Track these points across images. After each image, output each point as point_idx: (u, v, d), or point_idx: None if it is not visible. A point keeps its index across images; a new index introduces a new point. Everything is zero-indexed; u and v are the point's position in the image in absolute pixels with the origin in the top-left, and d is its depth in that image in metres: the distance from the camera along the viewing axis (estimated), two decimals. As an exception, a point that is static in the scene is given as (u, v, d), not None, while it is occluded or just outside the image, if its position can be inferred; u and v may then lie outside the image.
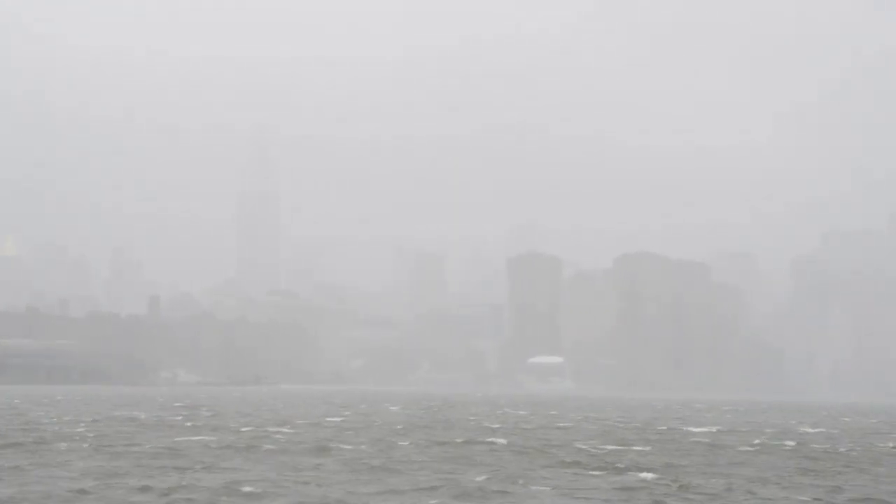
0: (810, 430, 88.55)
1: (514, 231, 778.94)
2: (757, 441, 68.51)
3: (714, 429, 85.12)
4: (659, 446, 60.98)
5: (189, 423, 76.66)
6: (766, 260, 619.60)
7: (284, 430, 70.20)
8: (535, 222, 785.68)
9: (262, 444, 56.55)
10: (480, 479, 41.25)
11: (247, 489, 37.21)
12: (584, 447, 58.48)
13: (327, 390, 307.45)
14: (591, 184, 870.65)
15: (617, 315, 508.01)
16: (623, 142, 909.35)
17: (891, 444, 68.44)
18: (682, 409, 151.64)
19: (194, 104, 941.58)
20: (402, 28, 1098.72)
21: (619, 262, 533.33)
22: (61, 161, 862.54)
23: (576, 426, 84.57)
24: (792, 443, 67.57)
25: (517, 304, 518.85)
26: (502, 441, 61.90)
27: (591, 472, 44.28)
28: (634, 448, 58.82)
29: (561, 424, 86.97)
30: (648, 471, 45.25)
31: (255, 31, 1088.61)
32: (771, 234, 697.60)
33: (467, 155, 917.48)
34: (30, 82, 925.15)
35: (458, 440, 61.83)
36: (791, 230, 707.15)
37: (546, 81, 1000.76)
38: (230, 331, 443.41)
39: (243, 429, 70.90)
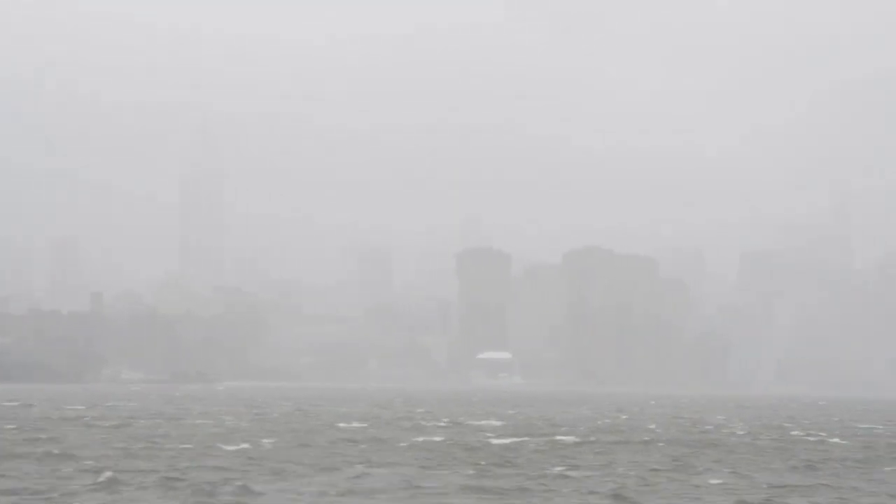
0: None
1: (463, 226, 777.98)
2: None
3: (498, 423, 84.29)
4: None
5: None
6: (714, 255, 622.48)
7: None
8: (484, 217, 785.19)
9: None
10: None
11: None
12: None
13: (271, 387, 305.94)
14: (540, 180, 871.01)
15: (565, 310, 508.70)
16: (573, 140, 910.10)
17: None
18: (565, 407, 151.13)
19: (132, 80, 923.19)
20: (357, 13, 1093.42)
21: (567, 257, 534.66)
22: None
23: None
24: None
25: (466, 299, 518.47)
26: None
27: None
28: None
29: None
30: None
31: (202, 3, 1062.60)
32: (718, 230, 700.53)
33: (415, 147, 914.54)
34: None
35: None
36: (738, 225, 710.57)
37: (498, 77, 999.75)
38: (175, 327, 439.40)
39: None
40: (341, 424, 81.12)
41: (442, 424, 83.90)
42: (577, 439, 66.39)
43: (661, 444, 63.45)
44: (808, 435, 75.70)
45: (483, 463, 49.92)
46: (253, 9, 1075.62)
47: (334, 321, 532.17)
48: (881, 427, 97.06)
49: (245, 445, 59.76)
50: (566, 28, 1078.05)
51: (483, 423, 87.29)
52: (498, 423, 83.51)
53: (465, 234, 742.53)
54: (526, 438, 66.76)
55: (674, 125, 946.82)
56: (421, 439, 64.96)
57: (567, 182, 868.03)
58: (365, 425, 79.36)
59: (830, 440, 71.17)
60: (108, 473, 43.56)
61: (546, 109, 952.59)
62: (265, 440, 62.60)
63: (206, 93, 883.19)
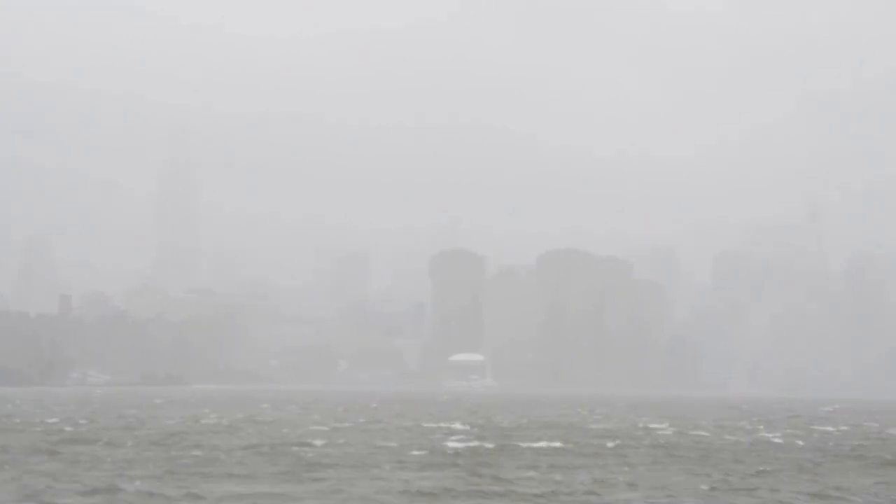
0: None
1: (438, 228, 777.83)
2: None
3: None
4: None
5: None
6: (689, 256, 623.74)
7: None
8: (459, 219, 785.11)
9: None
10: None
11: None
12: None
13: (241, 390, 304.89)
14: (515, 181, 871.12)
15: (539, 312, 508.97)
16: (546, 140, 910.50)
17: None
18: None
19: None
20: (327, 10, 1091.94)
21: (542, 259, 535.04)
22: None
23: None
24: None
25: (439, 301, 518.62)
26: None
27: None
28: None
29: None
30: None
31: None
32: (693, 232, 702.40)
33: (389, 148, 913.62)
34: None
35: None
36: (713, 227, 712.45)
37: (473, 76, 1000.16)
38: (145, 329, 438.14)
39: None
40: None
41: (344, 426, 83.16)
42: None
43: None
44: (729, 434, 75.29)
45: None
46: (231, 5, 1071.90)
47: (307, 322, 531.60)
48: (832, 429, 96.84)
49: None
50: (534, 26, 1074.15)
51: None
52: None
53: (439, 236, 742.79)
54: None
55: (644, 127, 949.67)
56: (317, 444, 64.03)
57: (541, 184, 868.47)
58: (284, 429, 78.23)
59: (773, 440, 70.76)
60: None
61: (516, 109, 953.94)
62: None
63: (184, 89, 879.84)
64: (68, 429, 77.93)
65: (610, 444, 66.51)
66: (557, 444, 65.14)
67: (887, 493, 42.69)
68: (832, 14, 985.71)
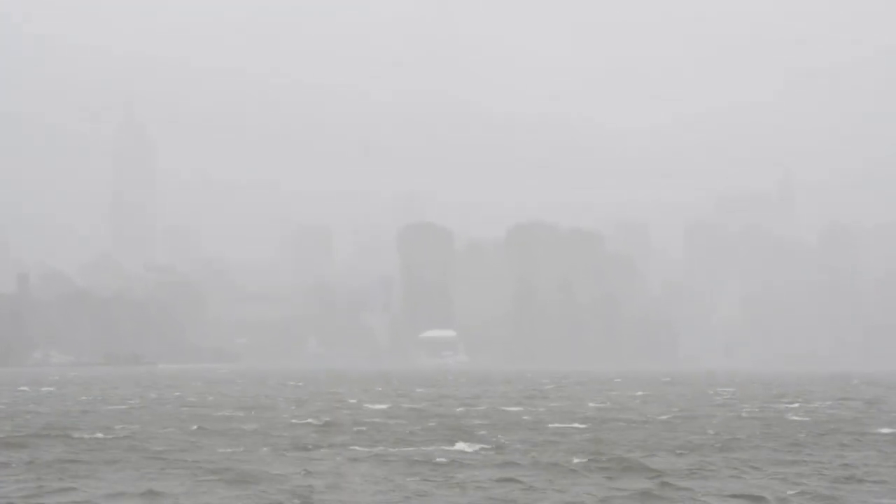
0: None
1: (404, 201, 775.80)
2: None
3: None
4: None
5: None
6: (660, 229, 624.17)
7: None
8: (426, 192, 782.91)
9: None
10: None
11: None
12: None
13: (205, 369, 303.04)
14: (483, 154, 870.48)
15: (510, 287, 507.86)
16: (515, 114, 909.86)
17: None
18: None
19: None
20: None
21: (511, 232, 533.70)
22: None
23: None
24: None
25: (408, 276, 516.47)
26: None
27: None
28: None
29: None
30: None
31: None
32: (664, 203, 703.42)
33: (352, 118, 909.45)
34: None
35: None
36: (684, 198, 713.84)
37: (428, 46, 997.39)
38: (106, 308, 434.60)
39: None
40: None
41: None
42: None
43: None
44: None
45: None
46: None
47: (272, 299, 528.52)
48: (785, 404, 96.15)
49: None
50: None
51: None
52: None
53: (403, 208, 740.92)
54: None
55: (622, 99, 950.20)
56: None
57: (508, 156, 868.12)
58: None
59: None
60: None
61: (482, 83, 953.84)
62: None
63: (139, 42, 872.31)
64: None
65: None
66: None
67: None
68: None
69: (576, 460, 44.00)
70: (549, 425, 66.22)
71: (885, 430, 63.44)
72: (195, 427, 62.60)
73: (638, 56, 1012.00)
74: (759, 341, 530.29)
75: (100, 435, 57.30)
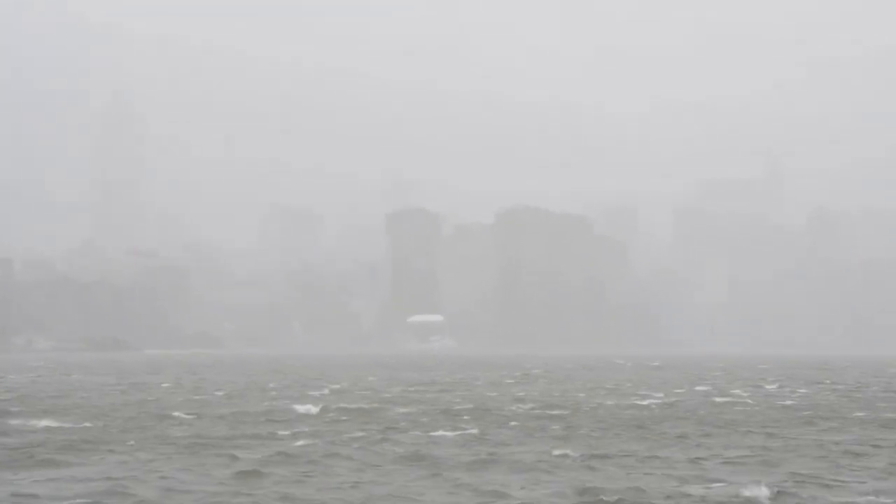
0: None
1: (392, 185, 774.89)
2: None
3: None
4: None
5: None
6: (649, 214, 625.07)
7: None
8: (413, 177, 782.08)
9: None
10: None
11: None
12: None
13: (189, 354, 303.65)
14: (472, 139, 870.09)
15: (498, 271, 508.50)
16: (504, 98, 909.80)
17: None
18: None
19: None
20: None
21: (499, 217, 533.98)
22: None
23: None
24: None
25: (396, 260, 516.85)
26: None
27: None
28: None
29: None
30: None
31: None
32: (653, 189, 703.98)
33: (339, 100, 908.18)
34: None
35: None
36: (673, 183, 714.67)
37: (413, 32, 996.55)
38: (89, 293, 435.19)
39: None
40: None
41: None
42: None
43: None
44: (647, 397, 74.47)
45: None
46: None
47: (258, 284, 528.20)
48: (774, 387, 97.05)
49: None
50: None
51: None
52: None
53: (390, 193, 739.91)
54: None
55: (613, 85, 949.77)
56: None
57: (496, 141, 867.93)
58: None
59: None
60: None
61: (464, 66, 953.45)
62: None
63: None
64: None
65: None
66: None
67: None
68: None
69: (556, 452, 44.17)
70: (534, 410, 66.71)
71: (861, 414, 64.30)
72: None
73: (629, 43, 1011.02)
74: (745, 326, 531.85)
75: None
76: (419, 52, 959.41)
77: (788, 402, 76.64)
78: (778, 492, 34.02)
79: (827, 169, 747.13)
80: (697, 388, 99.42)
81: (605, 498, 33.11)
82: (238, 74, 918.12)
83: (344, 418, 60.39)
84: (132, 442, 47.68)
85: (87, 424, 56.12)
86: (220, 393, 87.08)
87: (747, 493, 33.75)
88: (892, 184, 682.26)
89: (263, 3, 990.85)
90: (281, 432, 52.03)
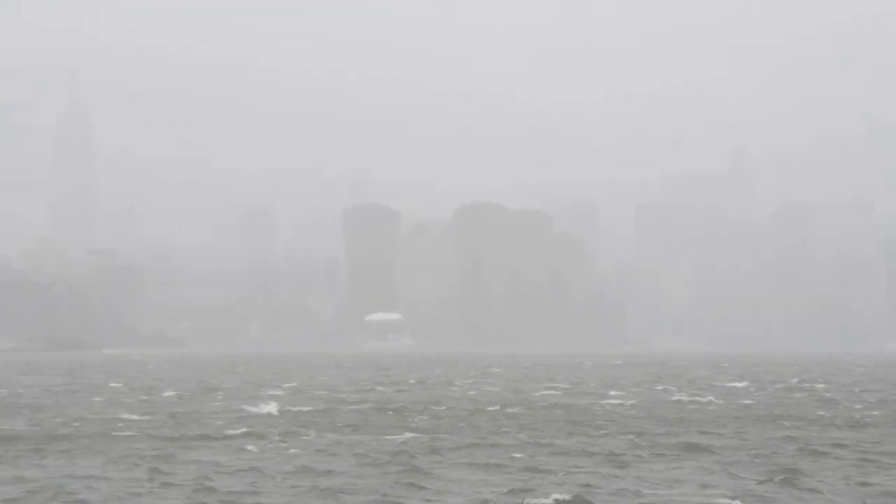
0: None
1: (349, 182, 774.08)
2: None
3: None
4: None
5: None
6: (610, 208, 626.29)
7: None
8: (372, 174, 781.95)
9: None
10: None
11: None
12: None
13: (148, 354, 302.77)
14: (430, 135, 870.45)
15: (457, 268, 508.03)
16: (459, 93, 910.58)
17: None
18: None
19: None
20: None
21: (458, 213, 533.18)
22: None
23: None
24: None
25: (354, 258, 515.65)
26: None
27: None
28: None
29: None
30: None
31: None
32: (614, 183, 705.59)
33: (299, 94, 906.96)
34: None
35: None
36: (633, 177, 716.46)
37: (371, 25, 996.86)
38: (48, 294, 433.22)
39: None
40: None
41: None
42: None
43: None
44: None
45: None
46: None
47: (214, 283, 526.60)
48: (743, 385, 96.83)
49: None
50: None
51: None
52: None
53: (348, 191, 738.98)
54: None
55: (569, 77, 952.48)
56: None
57: (453, 136, 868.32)
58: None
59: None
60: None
61: (419, 60, 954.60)
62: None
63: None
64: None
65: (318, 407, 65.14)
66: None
67: None
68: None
69: (517, 454, 43.49)
70: (488, 408, 66.26)
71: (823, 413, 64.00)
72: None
73: (584, 33, 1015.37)
74: (710, 322, 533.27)
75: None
76: (372, 47, 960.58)
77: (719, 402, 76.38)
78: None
79: (791, 160, 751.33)
80: (652, 387, 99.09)
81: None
82: (193, 74, 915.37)
83: (292, 420, 59.64)
84: (69, 445, 46.83)
85: (28, 426, 55.15)
86: (169, 393, 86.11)
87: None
88: (860, 173, 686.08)
89: (211, 4, 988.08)
90: (229, 432, 51.35)
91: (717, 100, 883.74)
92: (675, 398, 78.31)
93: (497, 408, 67.13)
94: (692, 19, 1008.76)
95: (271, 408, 66.62)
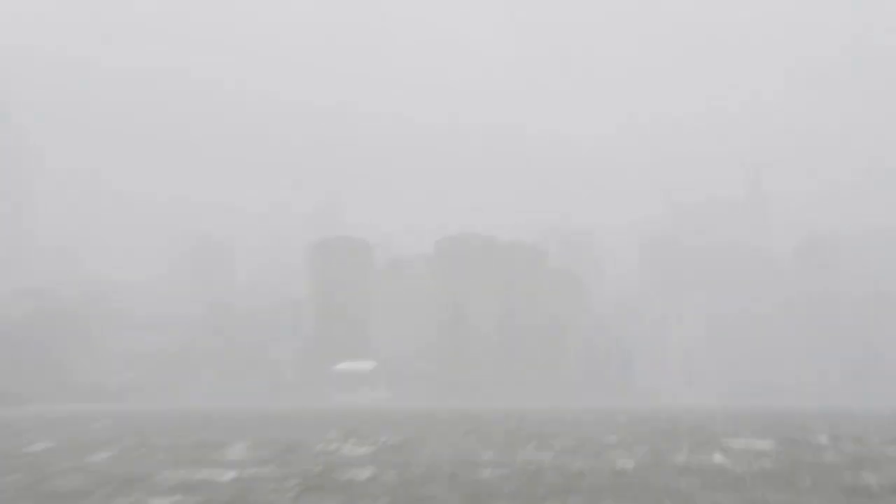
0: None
1: (318, 215, 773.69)
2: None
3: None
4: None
5: None
6: (612, 243, 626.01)
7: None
8: (341, 204, 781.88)
9: None
10: None
11: None
12: None
13: (85, 410, 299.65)
14: (408, 163, 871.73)
15: (438, 309, 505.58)
16: (439, 120, 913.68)
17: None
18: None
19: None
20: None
21: (440, 246, 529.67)
22: None
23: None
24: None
25: (321, 299, 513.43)
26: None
27: None
28: None
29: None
30: None
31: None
32: (615, 214, 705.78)
33: (260, 121, 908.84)
34: None
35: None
36: (638, 208, 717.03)
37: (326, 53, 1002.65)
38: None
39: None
40: None
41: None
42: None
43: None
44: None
45: None
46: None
47: (164, 327, 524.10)
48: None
49: None
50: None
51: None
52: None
53: (319, 224, 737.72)
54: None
55: (568, 103, 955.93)
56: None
57: (435, 165, 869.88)
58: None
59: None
60: None
61: (389, 87, 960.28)
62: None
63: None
64: None
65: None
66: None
67: None
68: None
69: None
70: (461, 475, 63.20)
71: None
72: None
73: (586, 57, 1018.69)
74: (726, 371, 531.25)
75: None
76: (348, 73, 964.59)
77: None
78: None
79: (817, 186, 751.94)
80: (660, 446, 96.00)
81: None
82: (144, 97, 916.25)
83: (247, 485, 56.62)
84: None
85: None
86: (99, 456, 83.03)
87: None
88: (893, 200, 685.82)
89: (169, 20, 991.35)
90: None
91: (730, 126, 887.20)
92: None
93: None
94: (703, 42, 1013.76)
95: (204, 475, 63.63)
